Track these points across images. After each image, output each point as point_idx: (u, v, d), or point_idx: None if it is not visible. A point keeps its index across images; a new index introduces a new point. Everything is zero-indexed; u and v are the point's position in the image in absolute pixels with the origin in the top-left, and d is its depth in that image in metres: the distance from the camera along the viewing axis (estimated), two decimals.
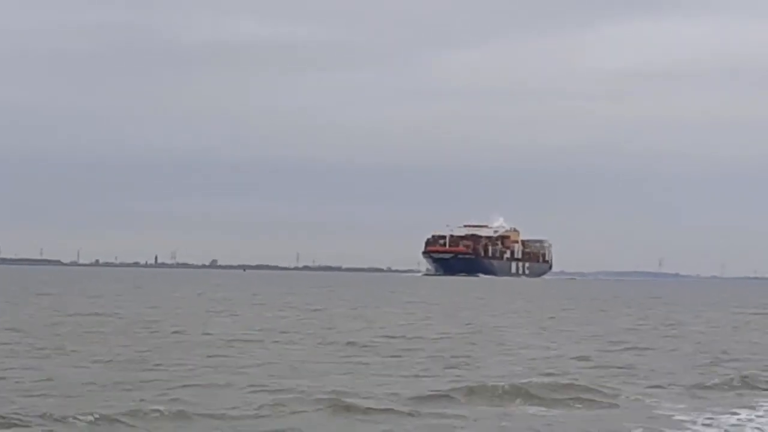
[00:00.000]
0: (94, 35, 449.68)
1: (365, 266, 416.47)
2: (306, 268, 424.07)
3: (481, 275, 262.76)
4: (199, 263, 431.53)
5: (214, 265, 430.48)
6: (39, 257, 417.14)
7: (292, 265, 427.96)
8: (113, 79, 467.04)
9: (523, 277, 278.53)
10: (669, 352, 39.27)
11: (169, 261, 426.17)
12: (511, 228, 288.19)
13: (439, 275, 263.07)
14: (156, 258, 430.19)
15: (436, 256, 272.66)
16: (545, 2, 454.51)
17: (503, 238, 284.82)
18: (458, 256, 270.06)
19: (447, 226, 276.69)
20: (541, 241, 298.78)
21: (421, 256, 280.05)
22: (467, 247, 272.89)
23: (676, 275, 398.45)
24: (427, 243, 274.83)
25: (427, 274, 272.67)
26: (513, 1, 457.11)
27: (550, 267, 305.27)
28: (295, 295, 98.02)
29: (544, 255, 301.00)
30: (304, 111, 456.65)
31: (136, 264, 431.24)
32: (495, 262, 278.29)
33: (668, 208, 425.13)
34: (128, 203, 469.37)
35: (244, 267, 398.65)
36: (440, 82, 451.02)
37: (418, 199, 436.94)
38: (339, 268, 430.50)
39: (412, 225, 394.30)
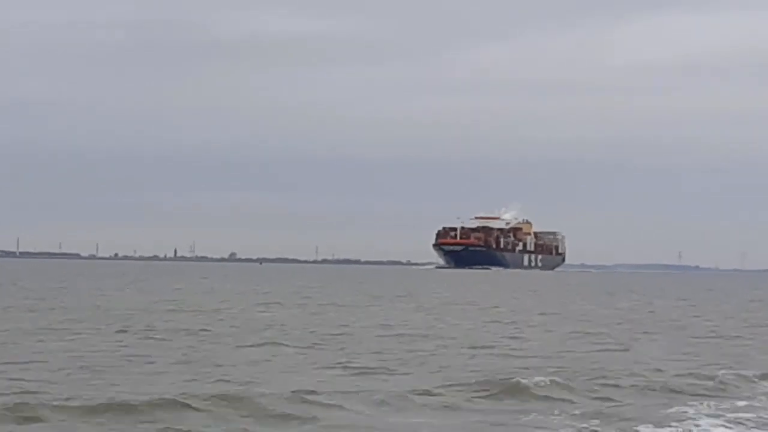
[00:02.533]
0: (120, 30, 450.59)
1: (384, 259, 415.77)
2: (325, 261, 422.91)
3: (493, 268, 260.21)
4: (218, 256, 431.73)
5: (233, 258, 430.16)
6: (58, 251, 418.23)
7: (312, 259, 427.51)
8: (134, 74, 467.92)
9: (536, 270, 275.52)
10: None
11: (188, 254, 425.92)
12: (523, 220, 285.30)
13: (451, 268, 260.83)
14: (175, 251, 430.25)
15: (446, 248, 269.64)
16: None
17: (515, 230, 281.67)
18: (469, 249, 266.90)
19: (458, 218, 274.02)
20: (554, 233, 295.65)
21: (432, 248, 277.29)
22: (478, 239, 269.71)
23: (696, 267, 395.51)
24: (438, 235, 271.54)
25: (439, 267, 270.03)
26: None
27: (564, 259, 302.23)
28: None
29: (557, 247, 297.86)
30: (324, 105, 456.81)
31: (155, 257, 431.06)
32: (507, 255, 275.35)
33: (689, 200, 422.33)
34: (147, 197, 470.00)
35: (260, 260, 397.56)
36: (465, 76, 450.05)
37: (438, 192, 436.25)
38: (358, 262, 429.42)
39: (432, 217, 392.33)
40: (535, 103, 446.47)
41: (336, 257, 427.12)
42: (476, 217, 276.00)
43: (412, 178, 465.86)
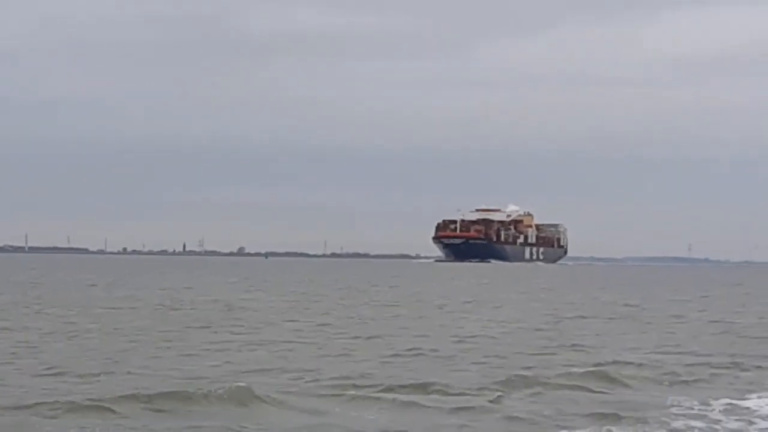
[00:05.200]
0: (136, 29, 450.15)
1: (393, 253, 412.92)
2: (334, 255, 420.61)
3: (493, 261, 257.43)
4: (227, 251, 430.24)
5: (241, 252, 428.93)
6: (66, 245, 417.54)
7: (320, 253, 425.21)
8: (143, 71, 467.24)
9: (537, 263, 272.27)
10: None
11: (197, 249, 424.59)
12: (525, 212, 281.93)
13: (450, 261, 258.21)
14: (184, 246, 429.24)
15: (446, 241, 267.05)
16: None
17: (516, 223, 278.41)
18: (469, 242, 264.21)
19: (458, 210, 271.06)
20: (555, 226, 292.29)
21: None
22: (479, 231, 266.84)
23: (706, 260, 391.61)
24: (438, 228, 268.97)
25: (438, 260, 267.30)
26: None
27: (566, 252, 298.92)
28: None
29: (559, 240, 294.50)
30: (331, 99, 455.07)
31: (164, 252, 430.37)
32: (508, 248, 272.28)
33: (699, 192, 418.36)
34: (156, 191, 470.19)
35: (266, 254, 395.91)
36: (490, 71, 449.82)
37: (447, 186, 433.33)
38: (367, 255, 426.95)
39: (438, 211, 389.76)
40: (538, 96, 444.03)
41: (345, 251, 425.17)
42: (477, 210, 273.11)
43: (422, 172, 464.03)
